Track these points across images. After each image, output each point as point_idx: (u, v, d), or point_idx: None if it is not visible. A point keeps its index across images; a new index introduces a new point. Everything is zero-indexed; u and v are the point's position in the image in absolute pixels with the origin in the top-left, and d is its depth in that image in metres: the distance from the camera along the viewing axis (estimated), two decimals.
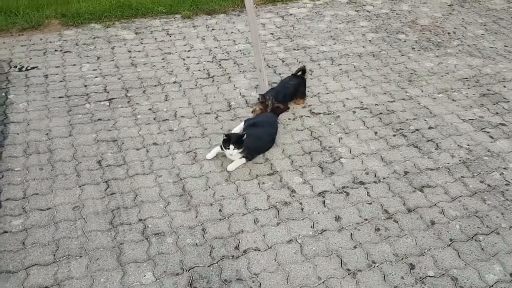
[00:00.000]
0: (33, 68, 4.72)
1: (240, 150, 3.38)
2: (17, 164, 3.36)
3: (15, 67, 4.72)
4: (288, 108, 4.19)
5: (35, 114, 3.97)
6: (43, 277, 2.52)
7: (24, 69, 4.69)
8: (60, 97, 4.23)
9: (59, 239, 2.76)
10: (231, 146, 3.33)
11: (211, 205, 3.09)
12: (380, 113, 4.17)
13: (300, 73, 4.33)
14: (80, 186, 3.18)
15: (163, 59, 5.05)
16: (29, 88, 4.35)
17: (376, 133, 3.89)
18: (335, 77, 4.77)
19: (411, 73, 4.88)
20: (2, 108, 4.01)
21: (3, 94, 4.23)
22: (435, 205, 3.12)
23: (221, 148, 3.47)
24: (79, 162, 3.43)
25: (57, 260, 2.63)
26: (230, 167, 3.45)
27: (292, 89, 4.20)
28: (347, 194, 3.21)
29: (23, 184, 3.18)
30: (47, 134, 3.72)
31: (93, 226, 2.88)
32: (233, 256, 2.70)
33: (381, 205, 3.12)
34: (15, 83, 4.41)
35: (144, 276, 2.56)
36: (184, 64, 4.97)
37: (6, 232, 2.80)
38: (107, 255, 2.67)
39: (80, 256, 2.66)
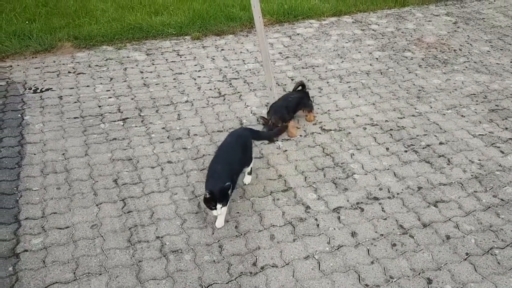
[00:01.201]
0: (47, 89, 4.82)
1: (227, 203, 2.98)
2: (35, 183, 3.42)
3: (30, 89, 4.83)
4: (287, 127, 4.03)
5: (51, 134, 4.04)
6: None
7: (38, 90, 4.79)
8: (75, 118, 4.31)
9: (78, 257, 2.79)
10: (218, 206, 2.87)
11: (227, 222, 3.12)
12: (391, 129, 4.21)
13: (300, 88, 4.36)
14: (97, 205, 3.23)
15: (174, 79, 5.15)
16: (44, 109, 4.44)
17: (387, 149, 3.93)
18: (344, 94, 4.84)
19: (419, 90, 4.95)
20: (19, 129, 4.09)
21: (19, 115, 4.32)
22: (449, 219, 3.14)
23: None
24: (96, 181, 3.48)
25: (78, 278, 2.66)
26: (219, 224, 3.08)
27: (295, 102, 4.18)
28: (362, 210, 3.24)
29: (41, 203, 3.23)
30: (63, 154, 3.78)
31: (111, 244, 2.91)
32: (251, 273, 2.72)
33: (396, 220, 3.14)
34: (30, 105, 4.51)
35: None
36: (195, 83, 5.06)
37: (26, 250, 2.84)
38: (126, 273, 2.70)
39: (100, 274, 2.69)
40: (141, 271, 2.72)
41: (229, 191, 2.94)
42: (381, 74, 5.32)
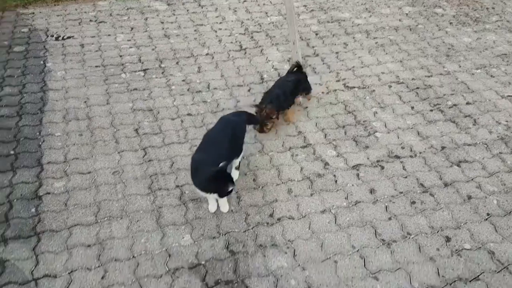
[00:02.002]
0: (69, 37, 4.80)
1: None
2: (57, 129, 3.47)
3: (52, 36, 4.81)
4: (277, 118, 3.47)
5: (73, 82, 4.06)
6: (85, 237, 2.63)
7: (60, 38, 4.78)
8: (96, 66, 4.30)
9: (100, 201, 2.86)
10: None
11: (246, 174, 3.13)
12: (417, 88, 4.08)
13: (296, 69, 3.76)
14: (119, 152, 3.27)
15: (195, 30, 5.05)
16: (66, 57, 4.44)
17: (412, 107, 3.82)
18: (370, 50, 4.68)
19: (449, 48, 4.74)
20: (41, 76, 4.12)
21: (41, 62, 4.33)
22: (472, 180, 3.08)
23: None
24: (117, 129, 3.51)
25: (99, 221, 2.73)
26: (224, 209, 2.87)
27: (292, 86, 3.59)
28: (382, 167, 3.19)
29: (63, 148, 3.28)
30: (85, 101, 3.81)
31: (132, 190, 2.96)
32: (267, 223, 2.75)
33: (417, 179, 3.09)
34: (52, 52, 4.51)
35: (183, 238, 2.64)
36: (216, 36, 4.95)
37: (48, 193, 2.91)
38: (147, 218, 2.76)
39: (121, 218, 2.76)
40: (161, 216, 2.77)
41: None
42: (410, 30, 5.11)
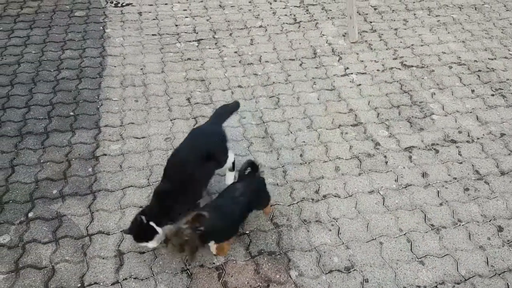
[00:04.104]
0: (128, 4, 4.91)
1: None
2: (115, 94, 3.60)
3: (111, 2, 4.94)
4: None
5: (131, 49, 4.17)
6: (138, 198, 2.74)
7: (119, 5, 4.89)
8: (153, 35, 4.39)
9: (152, 165, 2.96)
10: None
11: (292, 149, 3.12)
12: (479, 71, 3.86)
13: (248, 170, 2.45)
14: (171, 120, 3.35)
15: (250, 2, 5.00)
16: (125, 24, 4.55)
17: (473, 91, 3.63)
18: (431, 28, 4.45)
19: None
20: (100, 41, 4.26)
21: (101, 28, 4.47)
22: None
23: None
24: (171, 97, 3.59)
25: (151, 184, 2.84)
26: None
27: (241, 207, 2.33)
28: (437, 151, 3.08)
29: (120, 113, 3.41)
30: (141, 69, 3.91)
31: None
32: (313, 199, 2.75)
33: (472, 165, 2.96)
34: (111, 18, 4.64)
35: None
36: (271, 8, 4.89)
37: (105, 155, 3.05)
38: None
39: None
40: (210, 184, 2.83)
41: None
42: (475, 9, 4.80)
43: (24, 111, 3.38)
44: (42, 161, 2.96)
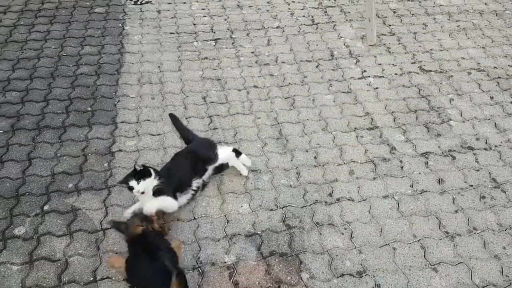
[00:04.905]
0: (147, 2, 4.95)
1: None
2: (132, 91, 3.63)
3: (131, 0, 4.98)
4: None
5: (149, 47, 4.20)
6: None
7: (139, 2, 4.94)
8: (171, 33, 4.42)
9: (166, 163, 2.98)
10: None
11: (307, 151, 3.11)
12: (499, 77, 3.80)
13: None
14: (186, 118, 3.37)
15: (268, 2, 5.00)
16: (143, 21, 4.59)
17: (492, 97, 3.57)
18: (451, 33, 4.40)
19: None
20: (119, 38, 4.30)
21: (120, 25, 4.52)
22: None
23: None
24: (187, 96, 3.61)
25: None
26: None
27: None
28: (453, 158, 3.04)
29: (136, 110, 3.44)
30: (158, 66, 3.94)
31: None
32: (326, 202, 2.73)
33: (489, 173, 2.92)
34: (130, 16, 4.68)
35: (241, 206, 2.70)
36: (289, 9, 4.88)
37: (121, 150, 3.08)
38: (209, 183, 2.84)
39: None
40: (222, 183, 2.84)
41: None
42: (496, 15, 4.72)
43: (43, 105, 3.43)
44: (58, 155, 3.00)
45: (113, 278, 2.27)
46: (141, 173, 2.38)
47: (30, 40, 4.21)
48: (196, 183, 2.67)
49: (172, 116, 3.18)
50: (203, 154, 2.76)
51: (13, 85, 3.62)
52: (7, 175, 2.83)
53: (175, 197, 2.54)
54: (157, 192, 2.45)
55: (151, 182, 2.41)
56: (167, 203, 2.50)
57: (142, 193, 2.38)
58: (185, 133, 3.02)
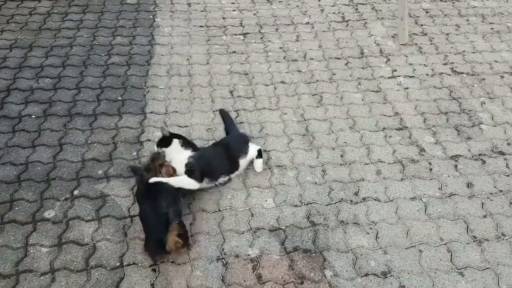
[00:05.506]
0: None
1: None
2: (161, 82, 3.67)
3: None
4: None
5: (178, 39, 4.24)
6: None
7: None
8: (200, 26, 4.45)
9: None
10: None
11: (333, 149, 3.10)
12: None
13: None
14: (213, 111, 3.39)
15: None
16: (174, 14, 4.63)
17: None
18: (484, 36, 4.30)
19: None
20: (150, 30, 4.35)
21: (151, 16, 4.57)
22: None
23: None
24: (214, 89, 3.63)
25: None
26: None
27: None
28: (484, 162, 2.98)
29: (165, 101, 3.48)
30: (187, 59, 3.97)
31: None
32: (351, 201, 2.71)
33: None
34: (161, 8, 4.73)
35: (266, 201, 2.70)
36: (319, 5, 4.85)
37: (149, 140, 3.12)
38: (238, 177, 2.85)
39: None
40: (247, 177, 2.85)
41: None
42: None
43: (74, 92, 3.50)
44: (89, 142, 3.07)
45: (139, 264, 2.32)
46: (164, 140, 2.67)
47: (63, 28, 4.30)
48: (223, 178, 2.74)
49: (222, 111, 3.23)
50: (235, 150, 2.82)
51: (46, 71, 3.71)
52: (38, 159, 2.91)
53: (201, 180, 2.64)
54: (188, 171, 2.58)
55: (176, 149, 2.65)
56: (188, 182, 2.58)
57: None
58: (229, 129, 3.07)
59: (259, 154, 2.91)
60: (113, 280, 2.24)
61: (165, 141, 2.66)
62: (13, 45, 4.01)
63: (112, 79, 3.67)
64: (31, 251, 2.36)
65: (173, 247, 2.24)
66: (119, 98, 3.48)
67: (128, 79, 3.68)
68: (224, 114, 3.20)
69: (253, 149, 2.88)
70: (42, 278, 2.24)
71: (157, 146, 2.67)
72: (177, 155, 2.63)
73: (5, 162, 2.87)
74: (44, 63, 3.80)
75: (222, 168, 2.74)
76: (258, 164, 2.91)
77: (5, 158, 2.90)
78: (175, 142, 2.66)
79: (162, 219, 2.29)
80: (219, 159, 2.74)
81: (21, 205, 2.60)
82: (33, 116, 3.25)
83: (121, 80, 3.66)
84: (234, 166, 2.80)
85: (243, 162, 2.83)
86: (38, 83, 3.58)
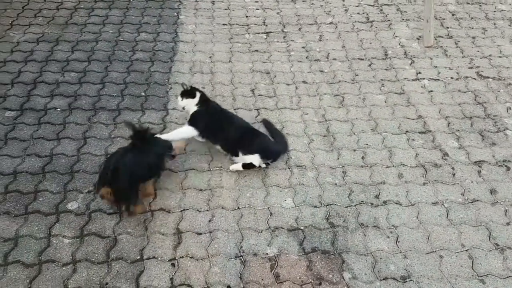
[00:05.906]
0: None
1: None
2: (184, 79, 3.70)
3: None
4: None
5: (201, 37, 4.27)
6: (198, 181, 2.82)
7: None
8: (223, 24, 4.47)
9: (215, 152, 3.02)
10: None
11: (354, 151, 3.07)
12: None
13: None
14: (235, 109, 3.40)
15: None
16: (198, 11, 4.67)
17: None
18: None
19: None
20: (174, 27, 4.39)
21: (175, 14, 4.61)
22: None
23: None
24: (236, 87, 3.64)
25: (211, 169, 2.90)
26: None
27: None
28: (508, 168, 2.92)
29: None
30: (210, 57, 4.00)
31: None
32: (372, 204, 2.69)
33: None
34: (185, 5, 4.77)
35: (285, 200, 2.70)
36: (343, 5, 4.81)
37: None
38: (253, 174, 2.86)
39: (233, 172, 2.89)
40: (267, 176, 2.86)
41: None
42: None
43: (99, 87, 3.56)
44: (113, 136, 3.12)
45: (159, 259, 2.35)
46: (187, 93, 2.99)
47: (89, 24, 4.37)
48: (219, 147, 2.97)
49: (265, 122, 3.21)
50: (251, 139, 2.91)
51: (71, 66, 3.78)
52: (62, 152, 2.96)
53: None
54: (191, 120, 2.96)
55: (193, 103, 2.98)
56: (186, 130, 2.93)
57: (183, 109, 3.05)
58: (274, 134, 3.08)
59: (251, 165, 2.84)
60: (133, 273, 2.28)
61: (190, 93, 2.98)
62: (40, 39, 4.09)
63: (136, 75, 3.72)
64: (54, 241, 2.42)
65: (105, 194, 2.40)
66: (143, 94, 3.53)
67: (151, 75, 3.72)
68: (268, 125, 3.17)
69: (254, 159, 2.81)
70: (64, 268, 2.29)
71: (181, 97, 2.99)
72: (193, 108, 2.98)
73: (30, 153, 2.94)
74: (70, 57, 3.88)
75: (223, 139, 2.91)
76: (237, 165, 2.88)
77: (31, 149, 2.97)
78: (198, 95, 2.99)
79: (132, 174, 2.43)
80: (228, 130, 2.90)
81: (45, 196, 2.66)
82: (59, 109, 3.32)
83: (145, 76, 3.71)
84: (234, 147, 2.88)
85: (241, 154, 2.84)
86: (64, 76, 3.65)
